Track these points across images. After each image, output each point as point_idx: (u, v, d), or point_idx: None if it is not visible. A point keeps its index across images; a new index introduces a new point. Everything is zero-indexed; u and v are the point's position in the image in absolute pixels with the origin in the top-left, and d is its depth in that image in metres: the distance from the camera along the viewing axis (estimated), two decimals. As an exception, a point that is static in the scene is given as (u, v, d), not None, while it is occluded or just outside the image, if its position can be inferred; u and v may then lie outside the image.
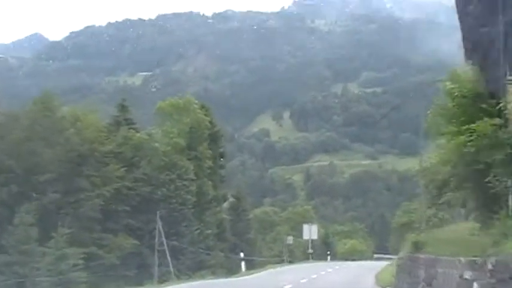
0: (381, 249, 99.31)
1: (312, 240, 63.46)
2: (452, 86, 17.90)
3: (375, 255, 67.82)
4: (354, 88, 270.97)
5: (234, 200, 78.38)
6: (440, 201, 28.08)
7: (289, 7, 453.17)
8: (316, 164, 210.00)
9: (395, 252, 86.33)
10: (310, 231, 58.59)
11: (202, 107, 70.16)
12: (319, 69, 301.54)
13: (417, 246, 21.15)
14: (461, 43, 20.60)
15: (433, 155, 24.26)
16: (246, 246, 70.27)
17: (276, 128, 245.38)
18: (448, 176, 21.16)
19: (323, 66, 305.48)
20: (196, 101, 70.33)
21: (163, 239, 52.06)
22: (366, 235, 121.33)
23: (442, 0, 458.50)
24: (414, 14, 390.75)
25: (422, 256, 18.74)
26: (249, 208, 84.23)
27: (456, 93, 17.56)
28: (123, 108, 62.66)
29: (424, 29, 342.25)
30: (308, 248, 65.56)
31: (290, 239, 77.71)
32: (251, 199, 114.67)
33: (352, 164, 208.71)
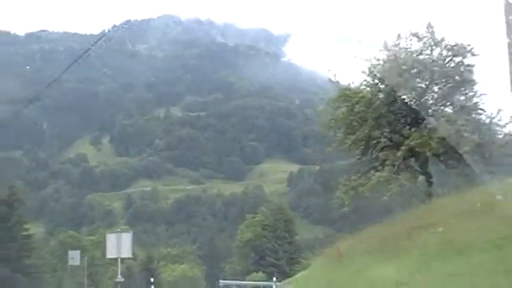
0: (218, 274, 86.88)
1: (123, 261, 37.17)
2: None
3: (222, 282, 52.69)
4: (177, 112, 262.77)
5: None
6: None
7: (108, 30, 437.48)
8: (138, 190, 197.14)
9: (245, 275, 77.52)
10: (119, 244, 29.49)
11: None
12: (140, 93, 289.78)
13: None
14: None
15: None
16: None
17: (94, 153, 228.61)
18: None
19: (144, 90, 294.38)
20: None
21: None
22: (197, 259, 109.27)
23: (262, 27, 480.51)
24: (236, 40, 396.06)
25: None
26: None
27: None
28: None
29: (246, 55, 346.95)
30: (117, 275, 34.22)
31: (74, 256, 59.65)
32: (64, 227, 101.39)
33: (177, 189, 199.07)
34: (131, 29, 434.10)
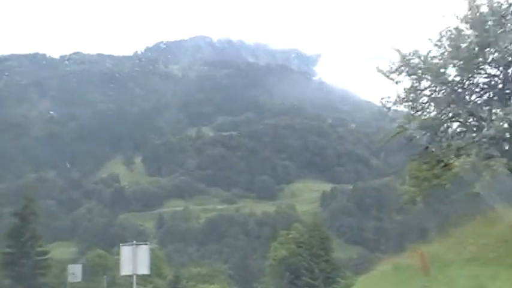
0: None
1: (151, 280, 31.25)
2: None
3: None
4: (208, 131, 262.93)
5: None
6: None
7: (141, 52, 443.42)
8: (169, 209, 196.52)
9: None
10: (135, 259, 25.98)
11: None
12: (172, 113, 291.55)
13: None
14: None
15: None
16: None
17: (126, 173, 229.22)
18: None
19: (177, 110, 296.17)
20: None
21: None
22: (228, 278, 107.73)
23: (293, 48, 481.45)
24: (267, 59, 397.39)
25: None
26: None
27: None
28: None
29: (277, 74, 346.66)
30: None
31: (75, 271, 54.57)
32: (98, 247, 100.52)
33: (208, 208, 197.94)
34: (163, 50, 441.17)
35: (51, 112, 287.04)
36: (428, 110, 18.91)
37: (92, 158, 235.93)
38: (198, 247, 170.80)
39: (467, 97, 18.38)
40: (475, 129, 18.02)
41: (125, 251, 26.37)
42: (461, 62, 17.58)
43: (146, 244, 28.37)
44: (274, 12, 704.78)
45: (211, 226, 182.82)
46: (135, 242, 27.35)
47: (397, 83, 18.97)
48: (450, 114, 18.61)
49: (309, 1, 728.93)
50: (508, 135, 17.51)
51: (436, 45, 18.05)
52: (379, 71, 19.24)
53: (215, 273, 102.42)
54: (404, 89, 18.98)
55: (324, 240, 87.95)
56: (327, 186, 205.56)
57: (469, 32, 17.41)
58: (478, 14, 17.15)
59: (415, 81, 18.72)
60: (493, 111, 17.64)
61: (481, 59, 17.43)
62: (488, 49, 17.17)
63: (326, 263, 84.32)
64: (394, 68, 18.67)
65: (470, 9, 17.34)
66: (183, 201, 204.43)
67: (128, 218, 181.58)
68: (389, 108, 19.63)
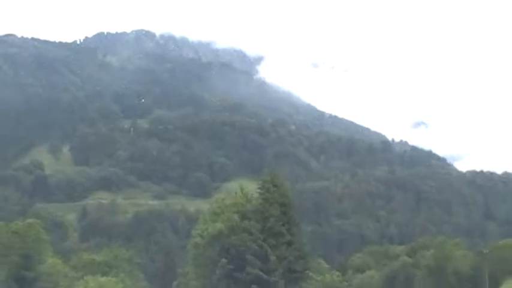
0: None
1: None
2: None
3: None
4: (144, 124, 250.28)
5: None
6: None
7: (80, 41, 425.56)
8: (94, 201, 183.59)
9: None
10: None
11: None
12: (107, 103, 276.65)
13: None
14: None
15: None
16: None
17: (52, 161, 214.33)
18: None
19: (111, 101, 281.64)
20: None
21: None
22: (136, 270, 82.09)
23: (236, 48, 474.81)
24: (209, 57, 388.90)
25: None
26: None
27: None
28: None
29: (218, 72, 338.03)
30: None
31: None
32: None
33: (137, 203, 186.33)
34: (103, 41, 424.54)
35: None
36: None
37: (16, 144, 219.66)
38: (123, 242, 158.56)
39: None
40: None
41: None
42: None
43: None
44: (218, 11, 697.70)
45: (139, 221, 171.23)
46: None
47: None
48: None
49: (252, 3, 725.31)
50: None
51: None
52: None
53: (117, 262, 77.99)
54: None
55: (287, 209, 56.44)
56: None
57: None
58: None
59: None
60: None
61: None
62: None
63: (289, 246, 54.91)
64: None
65: None
66: (111, 193, 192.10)
67: (47, 208, 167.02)
68: None
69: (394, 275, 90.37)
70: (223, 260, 52.39)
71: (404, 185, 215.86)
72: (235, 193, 60.74)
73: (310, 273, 56.63)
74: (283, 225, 55.15)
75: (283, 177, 69.17)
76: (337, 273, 57.39)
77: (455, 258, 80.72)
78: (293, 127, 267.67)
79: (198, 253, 56.92)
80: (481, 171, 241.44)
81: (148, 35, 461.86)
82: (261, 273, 52.32)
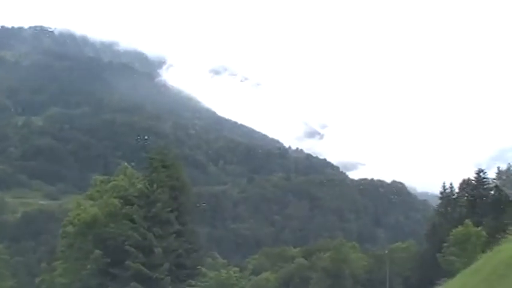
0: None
1: None
2: None
3: None
4: (38, 121, 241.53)
5: None
6: None
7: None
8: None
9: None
10: None
11: None
12: (0, 98, 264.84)
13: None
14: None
15: None
16: None
17: None
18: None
19: (4, 97, 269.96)
20: None
21: None
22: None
23: (139, 51, 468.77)
24: (110, 58, 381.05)
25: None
26: None
27: None
28: None
29: (119, 72, 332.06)
30: None
31: None
32: None
33: (27, 202, 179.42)
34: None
35: None
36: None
37: None
38: (9, 243, 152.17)
39: None
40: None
41: None
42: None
43: None
44: (121, 13, 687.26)
45: (28, 221, 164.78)
46: None
47: None
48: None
49: (157, 6, 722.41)
50: None
51: None
52: None
53: None
54: None
55: (179, 194, 49.41)
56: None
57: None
58: None
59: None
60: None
61: None
62: None
63: (178, 237, 47.86)
64: None
65: None
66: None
67: None
68: None
69: (289, 277, 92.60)
70: (97, 252, 44.93)
71: (300, 191, 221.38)
72: (117, 175, 52.36)
73: (203, 269, 47.97)
74: (172, 211, 47.19)
75: (176, 156, 61.66)
76: (235, 268, 51.09)
77: (351, 260, 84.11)
78: (192, 131, 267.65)
79: (68, 244, 48.22)
80: (372, 180, 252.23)
81: (47, 31, 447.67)
82: (143, 268, 44.65)
